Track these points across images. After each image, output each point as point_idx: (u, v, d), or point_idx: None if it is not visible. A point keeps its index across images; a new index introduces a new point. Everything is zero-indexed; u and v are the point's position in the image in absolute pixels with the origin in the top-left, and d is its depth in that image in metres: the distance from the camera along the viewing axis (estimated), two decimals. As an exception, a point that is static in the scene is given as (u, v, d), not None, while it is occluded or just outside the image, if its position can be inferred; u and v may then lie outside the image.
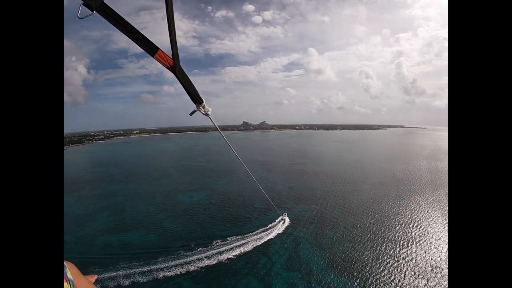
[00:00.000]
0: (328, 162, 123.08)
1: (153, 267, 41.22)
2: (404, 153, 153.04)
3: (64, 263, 1.77)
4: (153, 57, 2.16)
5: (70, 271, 1.80)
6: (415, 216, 57.51)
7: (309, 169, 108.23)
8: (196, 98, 2.62)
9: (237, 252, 44.36)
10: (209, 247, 46.39)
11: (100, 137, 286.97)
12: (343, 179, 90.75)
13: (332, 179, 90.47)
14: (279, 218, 56.34)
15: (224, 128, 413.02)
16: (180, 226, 57.11)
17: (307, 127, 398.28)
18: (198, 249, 45.88)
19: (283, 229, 51.25)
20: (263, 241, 46.95)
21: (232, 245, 46.42)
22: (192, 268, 40.97)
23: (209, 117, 3.01)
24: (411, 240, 46.82)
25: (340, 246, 44.55)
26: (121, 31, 1.92)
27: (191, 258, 43.27)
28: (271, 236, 48.52)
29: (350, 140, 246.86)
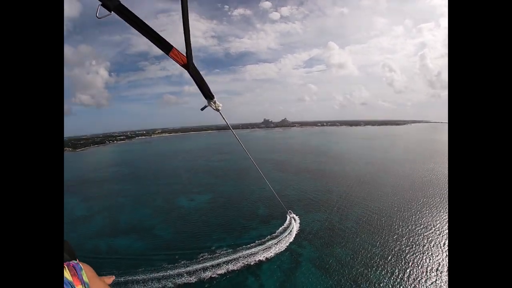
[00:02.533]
0: (348, 161, 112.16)
1: (129, 278, 38.04)
2: (431, 151, 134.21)
3: (80, 264, 1.80)
4: (168, 55, 2.24)
5: (86, 273, 1.78)
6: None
7: (326, 168, 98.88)
8: (208, 94, 2.74)
9: (223, 269, 38.77)
10: (194, 260, 41.49)
11: (122, 137, 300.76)
12: (362, 180, 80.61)
13: (350, 180, 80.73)
14: (286, 223, 50.43)
15: (245, 126, 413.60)
16: (170, 234, 53.24)
17: (329, 124, 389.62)
18: (181, 262, 41.37)
19: (285, 245, 44.03)
20: (256, 259, 40.53)
21: (219, 260, 40.89)
22: (169, 284, 36.50)
23: (220, 113, 3.16)
24: (443, 264, 37.11)
25: (351, 272, 36.22)
26: (137, 30, 2.01)
27: (171, 272, 39.04)
28: (267, 254, 41.72)
29: (373, 136, 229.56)
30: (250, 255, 41.43)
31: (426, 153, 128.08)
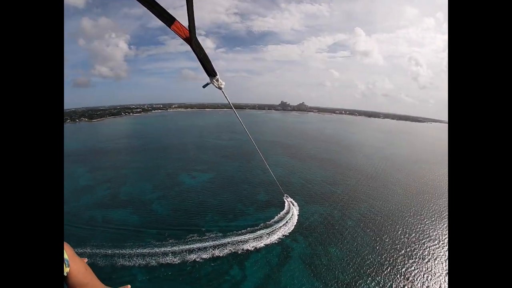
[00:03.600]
0: (361, 154, 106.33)
1: (116, 251, 38.37)
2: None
3: None
4: (169, 27, 2.22)
5: (66, 251, 1.83)
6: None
7: (337, 159, 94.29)
8: (210, 71, 2.68)
9: (209, 253, 37.78)
10: (182, 240, 40.99)
11: (138, 110, 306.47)
12: (372, 176, 75.89)
13: (359, 174, 76.29)
14: (283, 213, 48.69)
15: (261, 107, 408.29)
16: (166, 210, 53.13)
17: (347, 112, 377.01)
18: (169, 241, 41.09)
19: (278, 237, 41.93)
20: (245, 247, 38.96)
21: (206, 243, 39.90)
22: (153, 262, 36.14)
23: (222, 91, 3.13)
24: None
25: (341, 277, 33.59)
26: (140, 2, 1.98)
27: (157, 250, 38.90)
28: (257, 243, 39.93)
29: (391, 130, 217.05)
30: (239, 242, 39.95)
31: (442, 156, 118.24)
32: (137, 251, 38.44)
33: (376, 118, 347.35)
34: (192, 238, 41.65)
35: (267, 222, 45.76)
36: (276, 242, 40.18)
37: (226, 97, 3.53)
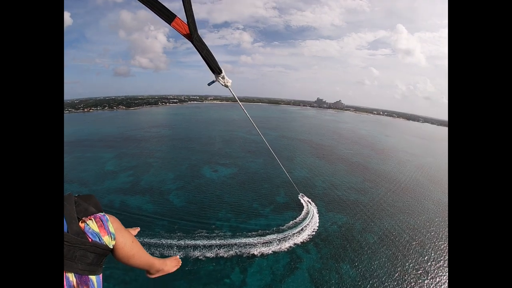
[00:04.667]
0: (395, 160, 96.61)
1: None
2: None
3: (107, 216, 1.89)
4: (170, 24, 2.18)
5: (112, 224, 1.88)
6: None
7: (368, 164, 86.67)
8: (215, 69, 2.62)
9: (214, 252, 36.86)
10: (190, 235, 40.98)
11: (175, 100, 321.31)
12: (404, 186, 68.10)
13: (390, 183, 68.94)
14: (299, 218, 45.91)
15: (296, 103, 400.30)
16: (181, 202, 53.76)
17: (386, 114, 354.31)
18: (177, 234, 41.38)
19: (289, 245, 39.24)
20: (251, 251, 37.16)
21: (213, 241, 39.11)
22: (156, 254, 36.39)
23: (229, 89, 3.02)
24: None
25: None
26: None
27: (163, 241, 39.31)
28: (265, 249, 37.76)
29: (431, 136, 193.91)
30: (247, 245, 38.28)
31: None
32: (145, 240, 39.07)
33: (415, 122, 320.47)
34: (200, 234, 41.15)
35: (281, 227, 43.28)
36: (286, 250, 37.58)
37: (234, 95, 3.40)
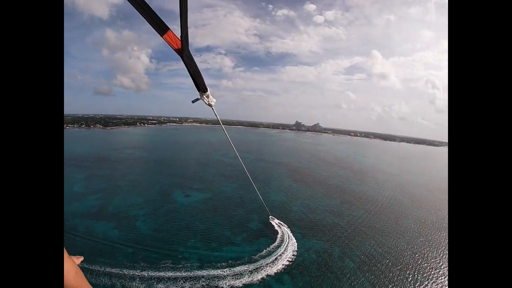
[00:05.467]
0: (373, 180, 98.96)
1: (86, 265, 35.95)
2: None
3: None
4: (162, 36, 2.17)
5: None
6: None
7: (345, 186, 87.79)
8: (201, 87, 2.63)
9: (179, 286, 33.85)
10: (154, 265, 38.12)
11: (154, 121, 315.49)
12: (383, 207, 68.94)
13: (368, 204, 69.59)
14: (273, 246, 43.79)
15: (276, 126, 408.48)
16: (148, 230, 50.14)
17: (362, 135, 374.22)
18: (140, 264, 38.43)
19: (261, 276, 36.86)
20: (220, 284, 34.54)
21: (178, 273, 36.06)
22: (117, 285, 33.75)
23: (212, 109, 3.03)
24: None
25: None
26: (133, 5, 1.97)
27: (126, 272, 36.13)
28: (235, 282, 35.10)
29: (407, 155, 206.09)
30: (215, 277, 35.49)
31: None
32: (106, 269, 36.08)
33: (392, 142, 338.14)
34: (166, 264, 37.92)
35: (253, 256, 40.90)
36: (258, 282, 35.12)
37: (216, 114, 3.47)
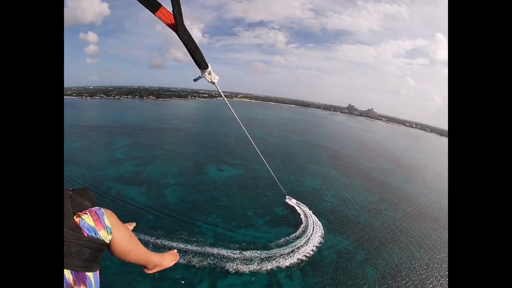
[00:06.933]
0: (420, 179, 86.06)
1: None
2: None
3: (102, 210, 1.88)
4: (154, 14, 2.14)
5: (108, 218, 1.86)
6: None
7: (388, 181, 77.60)
8: (202, 64, 2.52)
9: (186, 259, 34.56)
10: (170, 235, 39.45)
11: (205, 95, 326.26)
12: (424, 211, 59.02)
13: (409, 206, 60.33)
14: (293, 236, 41.26)
15: (327, 107, 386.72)
16: (175, 199, 52.22)
17: (418, 127, 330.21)
18: (158, 231, 40.17)
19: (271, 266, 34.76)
20: (226, 266, 33.57)
21: (191, 247, 36.75)
22: None
23: (216, 86, 2.96)
24: None
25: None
26: None
27: (142, 237, 37.44)
28: (243, 267, 33.65)
29: None
30: (224, 258, 34.75)
31: None
32: None
33: None
34: (181, 236, 38.73)
35: (269, 243, 38.89)
36: (266, 272, 33.12)
37: (219, 91, 3.32)
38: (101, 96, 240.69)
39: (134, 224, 2.43)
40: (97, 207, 1.87)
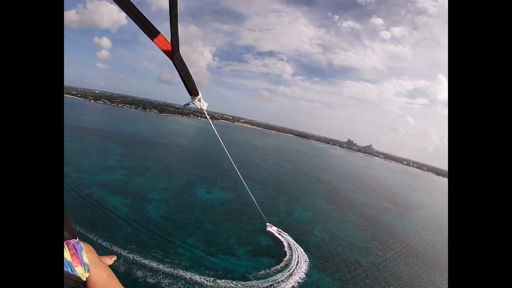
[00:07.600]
0: (415, 218, 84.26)
1: (83, 233, 37.82)
2: None
3: (81, 243, 1.76)
4: (152, 40, 2.21)
5: (87, 254, 1.74)
6: None
7: (382, 218, 75.08)
8: (193, 90, 2.64)
9: (157, 278, 32.19)
10: (143, 251, 36.99)
11: (208, 116, 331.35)
12: (417, 253, 56.32)
13: (401, 246, 57.57)
14: (275, 268, 38.64)
15: (326, 140, 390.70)
16: (157, 215, 50.42)
17: (415, 165, 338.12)
18: (132, 246, 38.02)
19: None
20: (198, 290, 31.14)
21: (163, 267, 34.32)
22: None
23: (205, 113, 3.05)
24: None
25: None
26: (121, 8, 2.00)
27: (115, 249, 36.05)
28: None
29: None
30: (195, 283, 32.29)
31: None
32: (98, 240, 37.33)
33: (446, 178, 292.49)
34: (155, 254, 36.57)
35: (247, 274, 36.32)
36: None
37: (209, 119, 3.44)
38: (104, 102, 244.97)
39: (114, 258, 2.27)
40: (76, 240, 1.73)
